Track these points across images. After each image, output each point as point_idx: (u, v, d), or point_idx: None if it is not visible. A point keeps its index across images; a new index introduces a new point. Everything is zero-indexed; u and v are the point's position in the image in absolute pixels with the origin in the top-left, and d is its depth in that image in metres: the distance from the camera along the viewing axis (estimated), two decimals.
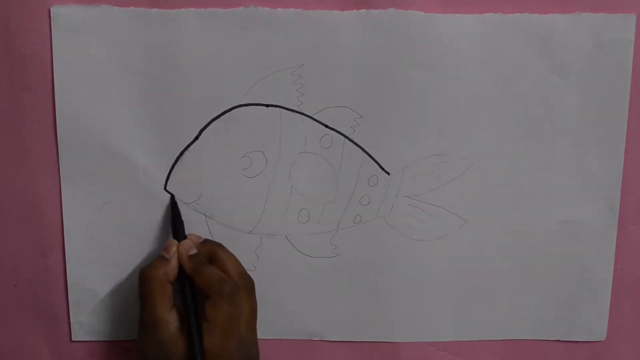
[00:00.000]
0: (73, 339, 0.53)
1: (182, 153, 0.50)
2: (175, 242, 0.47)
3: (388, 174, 0.51)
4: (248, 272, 0.51)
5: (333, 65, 0.49)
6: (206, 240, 0.49)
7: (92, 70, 0.48)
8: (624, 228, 0.52)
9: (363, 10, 0.48)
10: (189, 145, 0.50)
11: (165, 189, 0.50)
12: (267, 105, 0.49)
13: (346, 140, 0.50)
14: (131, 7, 0.47)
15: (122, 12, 0.47)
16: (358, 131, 0.50)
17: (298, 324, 0.53)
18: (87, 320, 0.52)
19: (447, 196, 0.51)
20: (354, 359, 0.54)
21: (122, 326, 0.52)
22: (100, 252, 0.51)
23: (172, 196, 0.50)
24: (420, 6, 0.48)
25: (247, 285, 0.46)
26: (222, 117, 0.49)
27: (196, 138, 0.49)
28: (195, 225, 0.51)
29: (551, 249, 0.53)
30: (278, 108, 0.49)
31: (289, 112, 0.49)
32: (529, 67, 0.50)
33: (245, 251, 0.51)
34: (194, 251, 0.46)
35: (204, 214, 0.51)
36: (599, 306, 0.54)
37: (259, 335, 0.52)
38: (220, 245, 0.48)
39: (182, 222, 0.49)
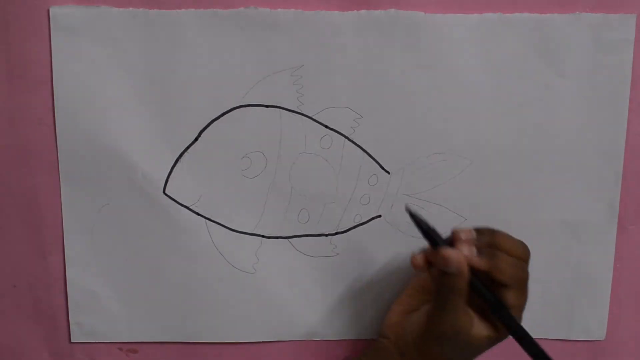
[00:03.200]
0: (72, 340, 0.53)
1: (182, 154, 0.50)
2: (452, 252, 0.41)
3: (388, 173, 0.51)
4: (247, 274, 0.51)
5: (333, 65, 0.49)
6: (478, 230, 0.43)
7: (92, 71, 0.48)
8: (624, 228, 0.53)
9: (363, 11, 0.48)
10: (189, 146, 0.49)
11: (164, 191, 0.50)
12: (267, 106, 0.49)
13: (346, 140, 0.50)
14: (130, 8, 0.47)
15: (122, 13, 0.47)
16: (358, 131, 0.50)
17: (298, 324, 0.53)
18: (86, 321, 0.52)
19: (446, 194, 0.51)
20: None
21: (122, 328, 0.52)
22: (99, 254, 0.51)
23: (409, 210, 0.43)
24: (420, 7, 0.48)
25: (528, 258, 0.44)
26: (222, 118, 0.49)
27: (196, 139, 0.49)
28: (195, 227, 0.51)
29: (551, 249, 0.53)
30: (278, 109, 0.49)
31: (289, 112, 0.49)
32: (529, 67, 0.50)
33: (245, 252, 0.51)
34: (476, 250, 0.42)
35: (204, 216, 0.51)
36: (599, 306, 0.54)
37: (260, 338, 0.53)
38: (492, 230, 0.43)
39: (433, 228, 0.43)
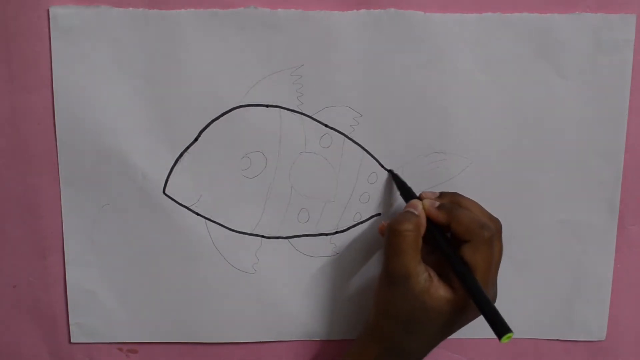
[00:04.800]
0: (72, 340, 0.53)
1: (181, 154, 0.50)
2: (418, 201, 0.46)
3: (388, 171, 0.51)
4: (247, 274, 0.51)
5: (333, 65, 0.49)
6: (442, 193, 0.48)
7: (91, 71, 0.48)
8: (624, 228, 0.53)
9: (363, 11, 0.48)
10: (188, 147, 0.49)
11: (164, 191, 0.50)
12: (267, 106, 0.49)
13: (346, 139, 0.50)
14: (130, 8, 0.47)
15: (121, 13, 0.47)
16: (358, 130, 0.50)
17: (298, 324, 0.53)
18: (86, 322, 0.52)
19: None
20: None
21: (122, 328, 0.52)
22: (99, 254, 0.51)
23: (391, 171, 0.51)
24: (420, 6, 0.48)
25: (498, 227, 0.45)
26: (221, 118, 0.49)
27: (196, 139, 0.49)
28: (195, 227, 0.51)
29: (551, 249, 0.53)
30: (278, 108, 0.49)
31: (288, 112, 0.49)
32: (529, 67, 0.50)
33: (245, 253, 0.51)
34: (438, 203, 0.46)
35: (204, 216, 0.51)
36: (599, 306, 0.54)
37: (260, 338, 0.53)
38: (457, 193, 0.48)
39: (409, 187, 0.49)
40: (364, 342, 0.47)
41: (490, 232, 0.43)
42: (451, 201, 0.47)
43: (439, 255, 0.46)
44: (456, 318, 0.44)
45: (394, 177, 0.50)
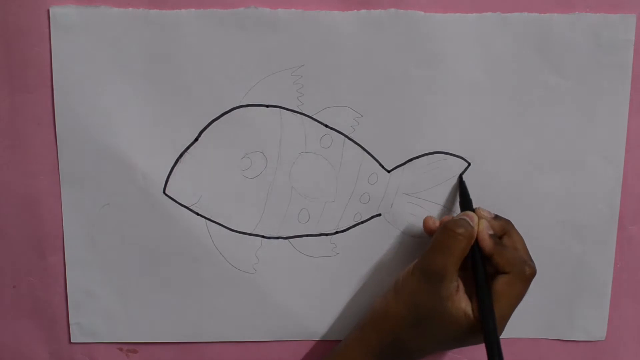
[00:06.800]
0: (72, 340, 0.53)
1: (182, 154, 0.50)
2: (475, 215, 0.47)
3: (388, 171, 0.51)
4: (247, 274, 0.51)
5: (333, 65, 0.49)
6: (497, 216, 0.48)
7: (92, 71, 0.48)
8: (624, 228, 0.53)
9: (363, 11, 0.48)
10: (189, 147, 0.49)
11: (164, 191, 0.50)
12: (268, 106, 0.49)
13: (346, 139, 0.50)
14: (130, 8, 0.47)
15: (122, 13, 0.47)
16: (358, 130, 0.50)
17: (298, 324, 0.53)
18: (86, 321, 0.52)
19: (446, 194, 0.51)
20: None
21: (122, 328, 0.52)
22: (99, 254, 0.51)
23: (461, 176, 0.51)
24: (420, 6, 0.48)
25: (535, 268, 0.46)
26: (222, 118, 0.49)
27: (196, 139, 0.49)
28: (196, 228, 0.51)
29: (551, 249, 0.53)
30: (278, 108, 0.49)
31: (289, 112, 0.49)
32: (529, 67, 0.50)
33: (245, 253, 0.51)
34: (491, 231, 0.46)
35: (204, 216, 0.51)
36: (599, 306, 0.54)
37: (260, 337, 0.53)
38: (510, 223, 0.48)
39: (470, 198, 0.50)
40: (366, 331, 0.48)
41: (531, 270, 0.44)
42: (502, 228, 0.47)
43: (467, 272, 0.46)
44: (466, 334, 0.45)
45: (460, 183, 0.51)
